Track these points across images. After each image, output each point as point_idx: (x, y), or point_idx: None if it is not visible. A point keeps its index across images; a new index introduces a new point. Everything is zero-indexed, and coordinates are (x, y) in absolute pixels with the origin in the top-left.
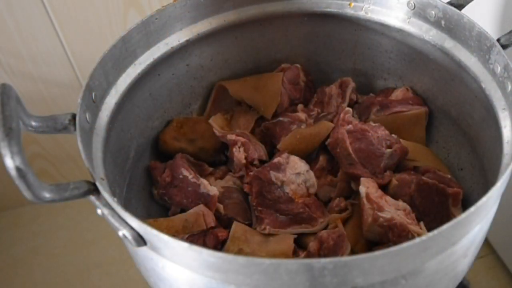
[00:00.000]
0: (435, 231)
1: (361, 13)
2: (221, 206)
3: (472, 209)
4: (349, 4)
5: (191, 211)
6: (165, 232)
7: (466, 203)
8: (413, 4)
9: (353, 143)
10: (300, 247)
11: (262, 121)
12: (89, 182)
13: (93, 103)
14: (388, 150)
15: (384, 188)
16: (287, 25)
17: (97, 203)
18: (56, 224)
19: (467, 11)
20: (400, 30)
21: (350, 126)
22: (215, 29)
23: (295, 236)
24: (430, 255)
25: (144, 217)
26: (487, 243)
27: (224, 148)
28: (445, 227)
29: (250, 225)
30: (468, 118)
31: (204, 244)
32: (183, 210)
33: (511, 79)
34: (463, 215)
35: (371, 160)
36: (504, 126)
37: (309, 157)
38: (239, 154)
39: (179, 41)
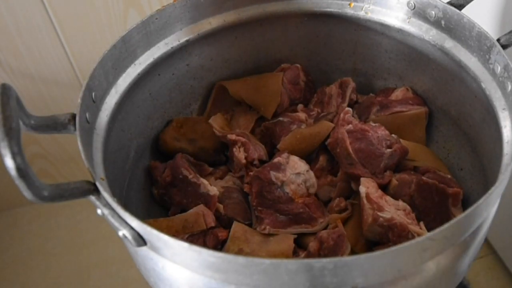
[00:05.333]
0: (435, 231)
1: (361, 13)
2: (221, 206)
3: (472, 209)
4: (349, 4)
5: (191, 211)
6: (165, 232)
7: (466, 203)
8: (413, 4)
9: (353, 143)
10: (300, 247)
11: (262, 121)
12: (89, 182)
13: (93, 103)
14: (388, 150)
15: (384, 188)
16: (287, 25)
17: (97, 203)
18: (56, 224)
19: (467, 11)
20: (400, 30)
21: (350, 126)
22: (215, 29)
23: (295, 236)
24: (430, 255)
25: (144, 217)
26: (487, 243)
27: (224, 148)
28: (445, 227)
29: (250, 225)
30: (468, 118)
31: (204, 244)
32: (183, 210)
33: (511, 79)
34: (463, 215)
35: (371, 160)
36: (504, 126)
37: (309, 157)
38: (239, 154)
39: (179, 41)
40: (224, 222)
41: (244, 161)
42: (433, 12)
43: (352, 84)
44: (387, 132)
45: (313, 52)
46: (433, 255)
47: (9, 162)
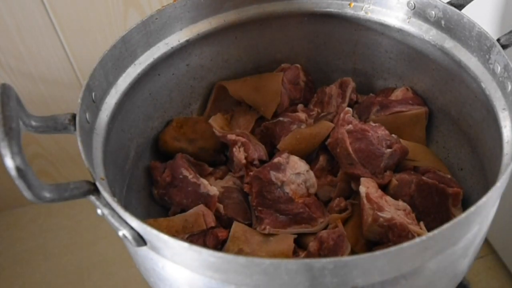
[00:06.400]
0: (435, 231)
1: (361, 13)
2: (221, 206)
3: (472, 209)
4: (349, 4)
5: (191, 211)
6: (165, 232)
7: (466, 203)
8: (413, 4)
9: (353, 143)
10: (300, 247)
11: (262, 121)
12: (89, 182)
13: (93, 103)
14: (388, 150)
15: (384, 188)
16: (287, 25)
17: (97, 203)
18: (56, 224)
19: (467, 11)
20: (400, 30)
21: (350, 126)
22: (215, 29)
23: (295, 236)
24: (430, 255)
25: (144, 217)
26: (487, 243)
27: (224, 148)
28: (445, 227)
29: (250, 225)
30: (468, 118)
31: (204, 244)
32: (183, 210)
33: (511, 79)
34: (463, 215)
35: (371, 160)
36: (504, 126)
37: (309, 157)
38: (239, 154)
39: (179, 41)
40: (224, 222)
41: (244, 161)
42: (433, 12)
43: (352, 84)
44: (387, 132)
45: (313, 52)
46: (433, 255)
47: (9, 162)
